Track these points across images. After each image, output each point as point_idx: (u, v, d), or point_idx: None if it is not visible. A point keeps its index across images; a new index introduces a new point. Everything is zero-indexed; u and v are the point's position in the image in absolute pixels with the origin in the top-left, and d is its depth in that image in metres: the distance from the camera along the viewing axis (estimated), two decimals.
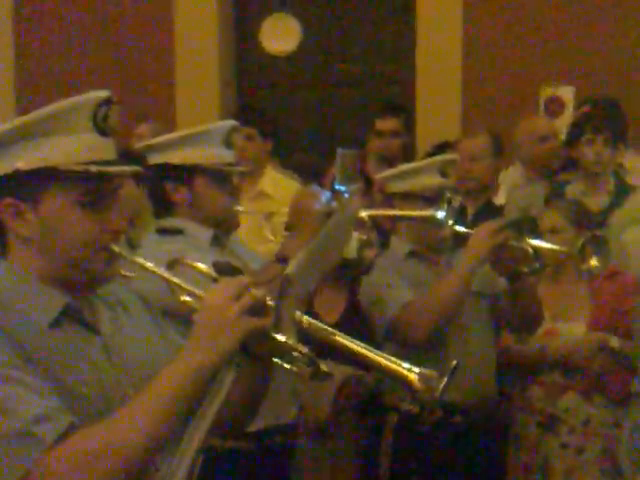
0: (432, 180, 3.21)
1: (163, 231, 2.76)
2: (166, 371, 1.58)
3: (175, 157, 2.71)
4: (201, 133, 2.73)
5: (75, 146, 1.66)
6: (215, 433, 1.96)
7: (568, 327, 3.48)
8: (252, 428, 2.57)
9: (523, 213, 4.09)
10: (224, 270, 1.82)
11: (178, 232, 2.72)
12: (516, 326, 3.37)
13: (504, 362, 3.41)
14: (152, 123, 5.27)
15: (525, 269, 3.07)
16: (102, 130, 1.70)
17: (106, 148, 1.71)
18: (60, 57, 6.49)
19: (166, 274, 1.81)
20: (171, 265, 1.99)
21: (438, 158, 3.38)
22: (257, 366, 1.72)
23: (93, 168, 1.65)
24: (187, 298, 1.82)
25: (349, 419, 3.25)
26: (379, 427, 3.20)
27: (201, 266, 1.94)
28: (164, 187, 2.73)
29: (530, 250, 3.04)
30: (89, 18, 6.51)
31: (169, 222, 2.77)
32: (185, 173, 2.71)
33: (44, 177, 1.65)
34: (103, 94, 1.71)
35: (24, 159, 1.65)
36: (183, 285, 1.78)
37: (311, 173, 4.63)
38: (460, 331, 3.15)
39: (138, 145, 2.86)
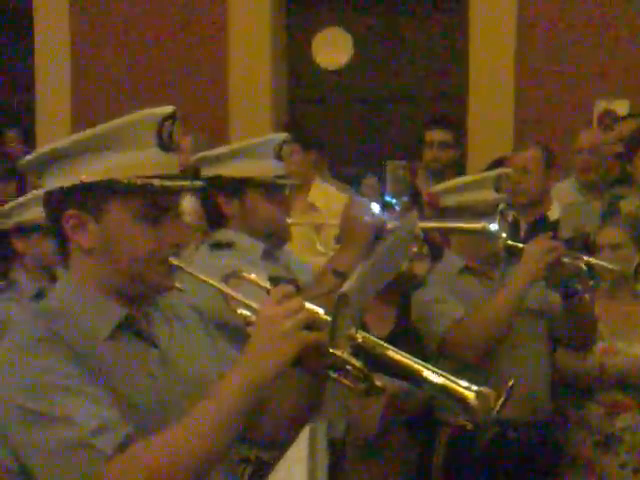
0: (487, 195, 3.18)
1: (215, 245, 2.76)
2: (223, 384, 1.58)
3: (227, 170, 2.71)
4: (253, 146, 2.73)
5: (139, 160, 1.69)
6: (263, 445, 1.95)
7: (627, 346, 3.41)
8: None
9: (578, 230, 4.03)
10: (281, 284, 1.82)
11: (230, 245, 2.72)
12: (571, 343, 3.32)
13: (561, 380, 3.36)
14: (194, 136, 5.31)
15: (579, 286, 3.02)
16: (166, 145, 1.72)
17: (169, 163, 1.73)
18: (115, 73, 6.57)
19: (224, 287, 1.81)
20: (227, 278, 1.99)
21: (493, 173, 3.35)
22: (310, 381, 1.72)
23: (156, 182, 1.68)
24: (243, 311, 1.82)
25: (399, 434, 3.22)
26: (430, 442, 3.16)
27: (258, 280, 1.94)
28: (216, 200, 2.74)
29: (584, 267, 2.99)
30: (143, 34, 6.59)
31: (221, 235, 2.76)
32: (237, 186, 2.71)
33: (107, 190, 1.68)
34: (168, 110, 1.73)
35: (88, 171, 1.68)
36: (240, 298, 1.78)
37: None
38: (515, 348, 3.11)
39: (192, 158, 2.87)
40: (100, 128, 1.69)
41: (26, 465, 1.58)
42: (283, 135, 2.83)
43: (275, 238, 2.79)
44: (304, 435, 1.42)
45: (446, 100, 6.33)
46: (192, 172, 2.72)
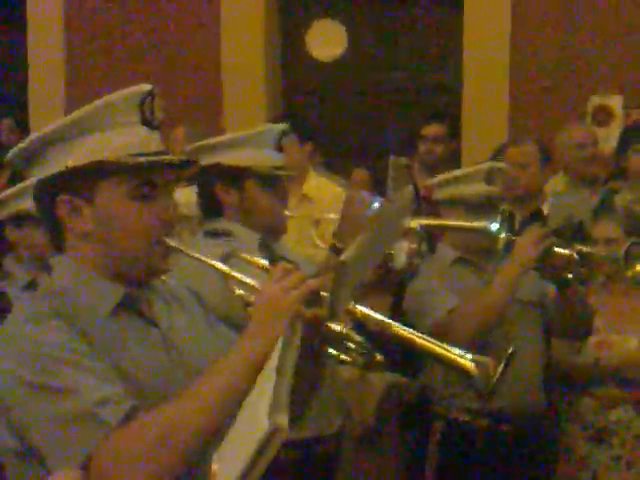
0: (478, 188, 3.19)
1: (211, 233, 2.75)
2: (224, 359, 1.59)
3: (226, 159, 2.69)
4: (252, 135, 2.72)
5: (124, 139, 1.69)
6: None
7: (622, 339, 3.42)
8: (297, 437, 2.56)
9: (567, 220, 4.04)
10: (279, 263, 1.82)
11: (227, 234, 2.71)
12: (565, 334, 3.32)
13: (554, 373, 3.37)
14: (187, 127, 5.30)
15: (571, 275, 3.02)
16: (149, 122, 1.73)
17: (154, 140, 1.73)
18: (108, 61, 6.54)
19: (223, 266, 1.81)
20: (225, 259, 1.98)
21: (484, 165, 3.35)
22: (309, 361, 1.69)
23: (142, 159, 1.68)
24: (242, 292, 1.83)
25: (394, 427, 3.23)
26: (425, 435, 3.17)
27: (257, 259, 1.94)
28: (214, 188, 2.72)
29: (575, 256, 2.99)
30: (136, 23, 6.57)
31: (217, 224, 2.75)
32: (236, 175, 2.70)
33: (96, 172, 1.68)
34: (146, 87, 1.73)
35: (75, 156, 1.68)
36: (239, 276, 1.78)
37: None
38: (509, 340, 3.11)
39: (188, 147, 2.85)
40: (80, 112, 1.69)
41: (29, 439, 1.58)
42: (283, 126, 2.82)
43: (272, 230, 2.78)
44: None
45: (441, 93, 6.32)
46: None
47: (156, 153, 1.72)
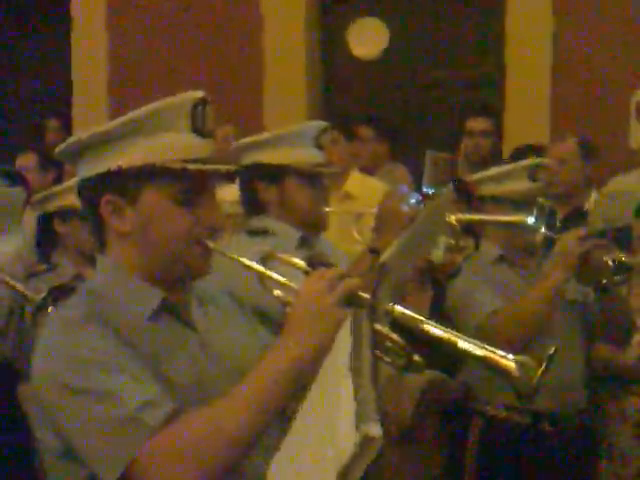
0: (521, 184, 3.17)
1: (252, 232, 2.78)
2: (266, 361, 1.59)
3: (266, 157, 2.72)
4: (293, 133, 2.73)
5: (173, 144, 1.70)
6: None
7: None
8: None
9: (608, 221, 4.00)
10: (317, 264, 1.82)
11: (265, 232, 2.73)
12: (608, 337, 3.30)
13: (598, 372, 3.34)
14: (235, 125, 5.35)
15: (605, 281, 2.99)
16: (199, 130, 1.74)
17: (202, 147, 1.74)
18: (151, 63, 6.61)
19: (261, 267, 1.82)
20: (264, 260, 1.99)
21: (527, 162, 3.33)
22: None
23: (190, 166, 1.69)
24: (280, 292, 1.84)
25: (433, 424, 3.22)
26: (465, 432, 3.16)
27: (295, 260, 1.94)
28: (255, 187, 2.75)
29: (610, 263, 2.95)
30: (178, 23, 6.62)
31: (258, 222, 2.78)
32: (276, 173, 2.72)
33: (143, 175, 1.70)
34: (198, 94, 1.75)
35: (124, 157, 1.70)
36: (277, 278, 1.79)
37: None
38: (550, 339, 3.10)
39: (231, 145, 2.88)
40: (133, 114, 1.71)
41: (71, 442, 1.60)
42: (323, 124, 2.83)
43: (312, 226, 2.80)
44: (347, 323, 1.37)
45: (482, 88, 6.29)
46: (232, 160, 2.72)
47: (204, 160, 1.73)
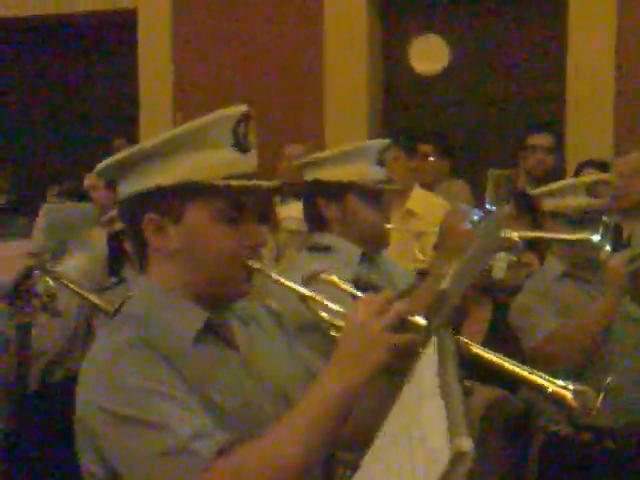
0: (578, 201, 3.15)
1: (313, 248, 2.81)
2: (316, 389, 1.55)
3: (328, 174, 2.74)
4: (354, 151, 2.75)
5: (216, 160, 1.67)
6: (347, 447, 1.92)
7: None
8: None
9: None
10: (364, 286, 1.82)
11: (327, 249, 2.76)
12: None
13: None
14: (301, 145, 5.41)
15: None
16: (242, 145, 1.70)
17: (245, 162, 1.70)
18: (214, 85, 6.69)
19: (304, 290, 1.79)
20: (308, 280, 1.97)
21: (585, 178, 3.31)
22: (389, 381, 1.63)
23: (234, 183, 1.66)
24: (324, 314, 1.81)
25: (496, 441, 3.20)
26: (525, 449, 3.15)
27: (339, 282, 1.91)
28: (317, 203, 2.77)
29: None
30: (242, 43, 6.72)
31: (320, 238, 2.80)
32: (337, 190, 2.74)
33: (186, 192, 1.66)
34: (242, 108, 1.71)
35: (166, 174, 1.66)
36: (321, 300, 1.77)
37: None
38: (616, 356, 3.07)
39: (295, 162, 2.92)
40: (175, 131, 1.68)
41: (119, 473, 1.56)
42: (385, 141, 2.85)
43: (373, 243, 2.81)
44: (431, 344, 1.34)
45: (543, 104, 6.26)
46: (297, 177, 2.74)
47: (248, 176, 1.69)
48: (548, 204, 3.25)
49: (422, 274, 2.59)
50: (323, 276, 1.97)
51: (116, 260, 3.64)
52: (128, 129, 6.95)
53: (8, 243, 3.69)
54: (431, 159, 5.17)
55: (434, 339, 1.35)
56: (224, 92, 6.54)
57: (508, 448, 3.25)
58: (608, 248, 2.98)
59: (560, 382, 1.56)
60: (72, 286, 3.20)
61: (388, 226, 2.87)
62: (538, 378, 1.58)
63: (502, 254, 2.87)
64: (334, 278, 1.94)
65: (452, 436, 1.04)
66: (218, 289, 1.70)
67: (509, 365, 1.61)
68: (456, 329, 1.79)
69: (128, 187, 1.71)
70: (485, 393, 3.42)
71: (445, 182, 5.37)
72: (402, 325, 1.57)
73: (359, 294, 1.83)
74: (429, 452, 1.08)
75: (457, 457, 1.02)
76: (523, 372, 1.60)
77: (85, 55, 7.48)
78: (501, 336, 3.23)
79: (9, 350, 2.91)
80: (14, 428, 3.14)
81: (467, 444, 1.02)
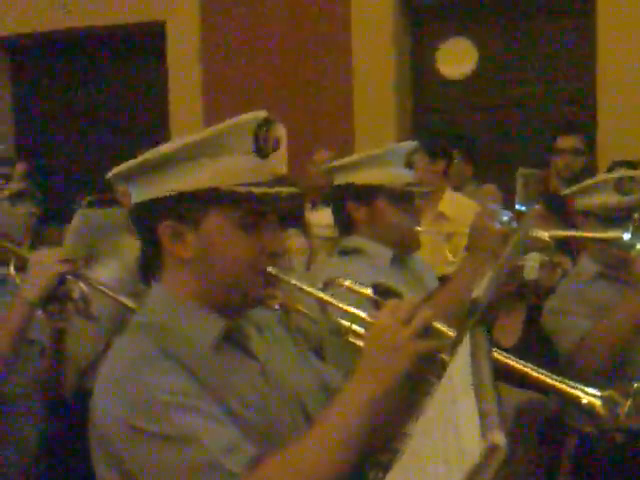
0: (607, 198, 3.12)
1: (344, 251, 2.82)
2: (343, 398, 1.53)
3: (357, 177, 2.75)
4: (383, 154, 2.76)
5: (237, 167, 1.64)
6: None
7: None
8: None
9: None
10: (384, 292, 1.80)
11: (357, 252, 2.77)
12: None
13: None
14: (330, 151, 5.43)
15: None
16: (262, 151, 1.67)
17: (266, 169, 1.68)
18: (243, 95, 6.71)
19: (324, 295, 1.77)
20: (326, 285, 1.95)
21: (611, 175, 3.28)
22: (412, 388, 1.62)
23: (255, 190, 1.62)
24: (342, 320, 1.79)
25: (528, 442, 3.18)
26: (558, 450, 3.12)
27: (358, 287, 1.89)
28: (346, 207, 2.79)
29: None
30: (269, 48, 6.74)
31: (350, 242, 2.82)
32: (367, 193, 2.75)
33: (205, 198, 1.62)
34: (262, 114, 1.68)
35: (186, 180, 1.62)
36: (340, 305, 1.74)
37: None
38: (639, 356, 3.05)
39: (324, 166, 2.93)
40: (194, 137, 1.64)
41: None
42: (413, 143, 2.86)
43: (403, 245, 2.82)
44: (465, 343, 1.33)
45: (573, 105, 6.23)
46: (326, 181, 2.73)
47: (268, 183, 1.66)
48: (579, 203, 3.23)
49: (442, 280, 2.57)
50: (339, 281, 1.96)
51: (148, 267, 3.65)
52: (159, 139, 6.98)
53: (42, 250, 3.72)
54: (455, 162, 5.15)
55: (467, 338, 1.34)
56: (253, 100, 6.56)
57: (540, 450, 3.23)
58: (639, 247, 2.95)
59: (588, 389, 1.53)
60: (107, 291, 3.22)
61: (418, 229, 2.87)
62: (565, 386, 1.56)
63: (534, 254, 2.85)
64: (349, 283, 1.93)
65: (485, 430, 1.04)
66: (234, 296, 1.66)
67: (532, 372, 1.59)
68: (489, 331, 1.79)
69: (144, 192, 1.67)
70: (514, 399, 3.41)
71: (470, 185, 5.36)
72: (428, 332, 1.55)
73: (378, 299, 1.82)
74: (462, 448, 1.08)
75: (490, 450, 1.02)
76: (546, 379, 1.57)
77: (116, 66, 7.54)
78: (535, 339, 3.21)
79: (45, 356, 2.94)
80: (53, 432, 3.16)
81: (500, 438, 1.01)
